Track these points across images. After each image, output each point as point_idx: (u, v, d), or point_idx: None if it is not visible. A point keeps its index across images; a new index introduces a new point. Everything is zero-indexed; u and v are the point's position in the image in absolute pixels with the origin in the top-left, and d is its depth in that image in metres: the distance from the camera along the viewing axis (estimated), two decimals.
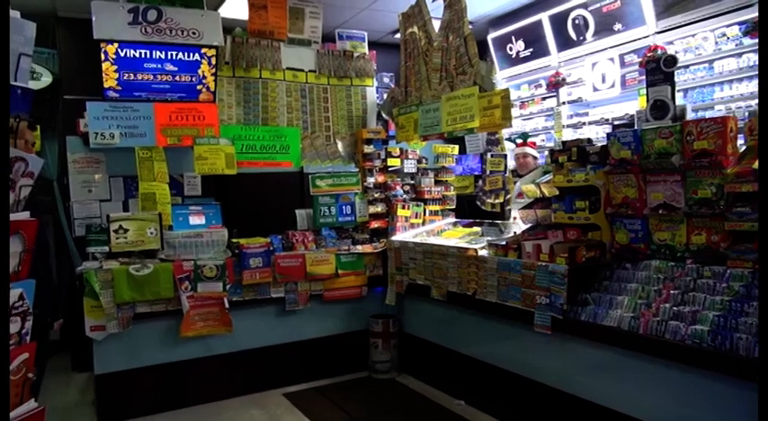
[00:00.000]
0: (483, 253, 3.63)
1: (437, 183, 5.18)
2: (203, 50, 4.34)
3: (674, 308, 2.57)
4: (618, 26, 5.35)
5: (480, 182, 4.96)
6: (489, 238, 3.93)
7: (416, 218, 4.84)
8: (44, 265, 5.02)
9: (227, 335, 4.04)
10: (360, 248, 4.58)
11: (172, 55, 4.28)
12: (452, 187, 5.24)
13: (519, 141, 5.18)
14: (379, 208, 4.90)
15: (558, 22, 5.88)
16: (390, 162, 5.02)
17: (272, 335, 4.28)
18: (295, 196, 5.37)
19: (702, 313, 2.46)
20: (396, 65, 5.29)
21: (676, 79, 3.23)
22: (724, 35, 4.71)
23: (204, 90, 4.40)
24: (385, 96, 5.40)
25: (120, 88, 4.15)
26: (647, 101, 3.10)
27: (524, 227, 3.93)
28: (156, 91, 4.27)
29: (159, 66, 4.25)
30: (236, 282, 4.08)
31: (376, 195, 4.94)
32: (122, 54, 4.11)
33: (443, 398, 3.98)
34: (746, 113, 4.38)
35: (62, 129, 5.00)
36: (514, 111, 5.80)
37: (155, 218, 3.94)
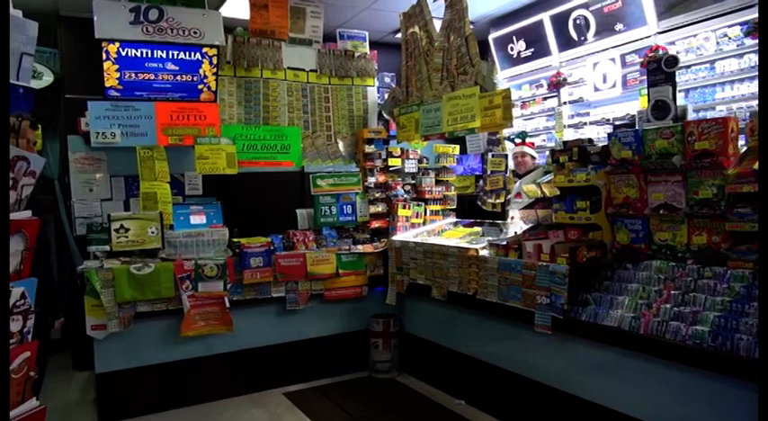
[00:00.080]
0: (484, 253, 3.63)
1: (438, 182, 5.18)
2: (204, 50, 4.34)
3: (675, 308, 2.57)
4: (619, 26, 5.35)
5: (481, 182, 4.96)
6: (490, 238, 3.93)
7: (417, 217, 4.85)
8: (45, 264, 5.02)
9: (228, 334, 4.04)
10: (360, 248, 4.58)
11: (173, 54, 4.28)
12: (453, 187, 5.24)
13: (518, 141, 5.19)
14: (380, 208, 4.90)
15: (560, 22, 5.88)
16: (391, 162, 5.03)
17: (273, 334, 4.29)
18: (296, 196, 5.38)
19: (703, 314, 2.46)
20: (397, 64, 5.29)
21: (677, 79, 3.24)
22: (725, 35, 4.71)
23: (205, 89, 4.41)
24: (386, 96, 5.40)
25: (121, 87, 4.15)
26: (649, 101, 3.10)
27: (522, 226, 3.93)
28: (157, 90, 4.27)
29: (160, 65, 4.25)
30: (237, 282, 4.09)
31: (377, 195, 4.94)
32: (124, 53, 4.12)
33: (444, 398, 3.98)
34: (748, 114, 4.38)
35: (63, 129, 5.00)
36: (515, 112, 5.79)
37: (156, 217, 3.95)
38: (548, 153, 4.87)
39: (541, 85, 6.44)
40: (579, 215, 3.29)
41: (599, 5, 5.48)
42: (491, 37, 6.68)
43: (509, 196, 4.84)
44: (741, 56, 4.67)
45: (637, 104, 5.20)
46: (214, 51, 4.37)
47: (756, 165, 2.44)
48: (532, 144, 5.27)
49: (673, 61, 3.04)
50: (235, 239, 4.27)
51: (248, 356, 4.18)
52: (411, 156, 5.10)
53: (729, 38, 4.68)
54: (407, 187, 5.07)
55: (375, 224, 4.86)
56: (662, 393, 2.57)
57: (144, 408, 3.85)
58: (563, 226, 3.40)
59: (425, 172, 5.15)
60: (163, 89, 4.29)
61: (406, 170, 5.09)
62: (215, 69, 4.41)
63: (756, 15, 4.34)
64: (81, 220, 4.27)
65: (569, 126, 6.05)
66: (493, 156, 4.82)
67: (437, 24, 4.56)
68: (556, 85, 6.11)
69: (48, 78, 5.34)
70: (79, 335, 4.11)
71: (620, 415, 2.75)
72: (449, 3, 4.35)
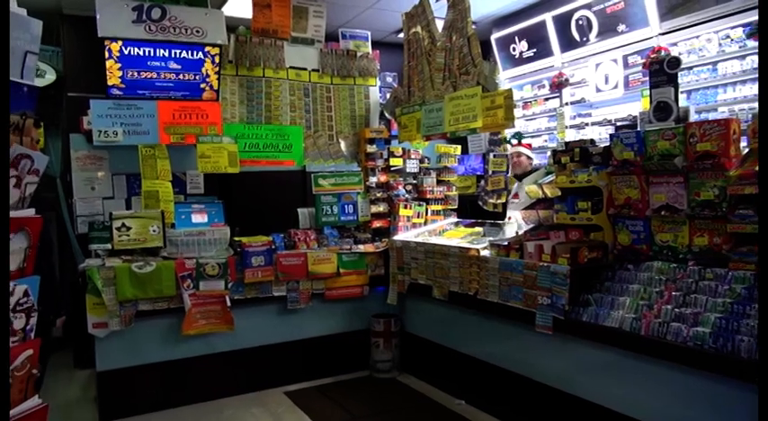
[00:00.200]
0: (485, 253, 3.63)
1: (439, 182, 5.18)
2: (207, 49, 4.35)
3: (676, 309, 2.57)
4: (621, 27, 5.35)
5: (482, 182, 4.96)
6: (491, 238, 3.93)
7: (418, 217, 4.85)
8: (47, 262, 5.04)
9: (229, 333, 4.05)
10: (362, 248, 4.58)
11: (175, 53, 4.29)
12: (454, 187, 5.24)
13: (514, 142, 5.19)
14: (382, 207, 4.91)
15: (562, 22, 5.87)
16: (393, 161, 5.03)
17: (274, 333, 4.29)
18: (297, 195, 5.38)
19: (704, 315, 2.46)
20: (399, 64, 5.29)
21: (680, 81, 3.23)
22: (728, 37, 4.70)
23: (207, 88, 4.41)
24: (388, 96, 5.40)
25: (123, 86, 4.16)
26: (651, 102, 3.10)
27: (519, 227, 3.93)
28: (159, 89, 4.28)
29: (163, 64, 4.26)
30: (238, 281, 4.09)
31: (378, 195, 4.95)
32: (126, 52, 4.12)
33: (444, 398, 3.99)
34: (750, 115, 4.37)
35: (66, 127, 5.01)
36: (517, 112, 5.80)
37: (157, 215, 3.95)
38: (549, 154, 4.87)
39: (543, 86, 6.44)
40: (580, 216, 3.29)
41: (601, 6, 5.47)
42: (493, 37, 6.68)
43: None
44: (743, 57, 4.67)
45: (639, 105, 5.20)
46: (216, 50, 4.38)
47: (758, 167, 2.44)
48: (529, 145, 5.27)
49: (675, 62, 3.04)
50: (236, 238, 4.28)
51: (249, 355, 4.18)
52: (413, 156, 5.11)
53: (732, 39, 4.68)
54: (409, 187, 5.08)
55: (376, 224, 4.87)
56: (663, 394, 2.57)
57: (145, 406, 3.86)
58: (564, 226, 3.40)
59: (427, 172, 5.16)
60: (165, 88, 4.30)
61: (408, 170, 5.09)
62: (217, 68, 4.41)
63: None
64: (83, 218, 4.29)
65: (571, 127, 6.05)
66: (494, 156, 4.82)
67: (439, 24, 4.56)
68: (558, 85, 6.11)
69: (50, 76, 5.35)
70: (80, 333, 4.12)
71: (621, 415, 2.75)
72: (451, 3, 4.35)
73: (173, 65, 4.29)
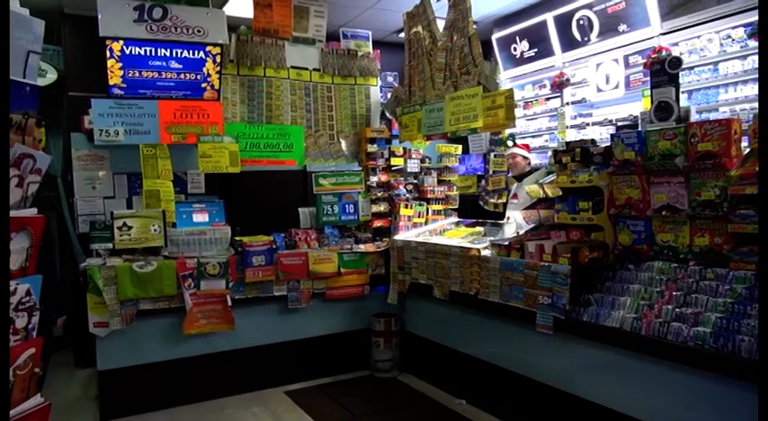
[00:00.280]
0: (486, 253, 3.63)
1: (440, 182, 5.18)
2: (208, 48, 4.35)
3: (677, 309, 2.57)
4: (623, 27, 5.34)
5: (483, 182, 4.97)
6: (492, 238, 3.93)
7: (419, 217, 4.85)
8: (49, 261, 5.05)
9: (230, 332, 4.05)
10: (362, 247, 4.59)
11: (177, 53, 4.29)
12: (455, 187, 5.24)
13: (510, 143, 5.20)
14: (382, 207, 4.91)
15: (563, 22, 5.87)
16: (394, 161, 5.03)
17: (275, 332, 4.29)
18: (298, 194, 5.39)
19: (705, 315, 2.46)
20: (400, 64, 5.30)
21: (681, 81, 3.22)
22: (729, 37, 4.70)
23: (209, 88, 4.41)
24: (389, 95, 5.41)
25: (124, 85, 4.16)
26: (652, 102, 3.10)
27: (518, 227, 3.93)
28: (160, 88, 4.28)
29: (164, 63, 4.26)
30: (239, 280, 4.10)
31: (379, 194, 4.95)
32: (128, 51, 4.13)
33: (445, 398, 3.99)
34: (751, 115, 4.36)
35: (67, 126, 5.01)
36: (518, 112, 5.79)
37: (158, 215, 3.95)
38: (550, 153, 4.88)
39: (544, 86, 6.44)
40: (581, 216, 3.29)
41: (602, 6, 5.47)
42: (494, 37, 6.67)
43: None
44: (744, 57, 4.66)
45: (640, 105, 5.19)
46: (218, 50, 4.38)
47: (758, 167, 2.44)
48: (525, 145, 5.28)
49: (676, 62, 3.04)
50: (237, 238, 4.28)
51: (250, 354, 4.19)
52: (413, 156, 5.11)
53: (733, 39, 4.68)
54: (410, 187, 5.08)
55: (377, 223, 4.87)
56: (663, 394, 2.58)
57: (146, 406, 3.87)
58: (565, 226, 3.40)
59: (428, 171, 5.16)
60: (166, 87, 4.30)
61: (409, 169, 5.10)
62: (218, 68, 4.42)
63: None
64: (84, 218, 4.29)
65: (572, 127, 6.04)
66: (495, 156, 4.83)
67: (440, 24, 4.56)
68: (559, 85, 6.10)
69: (51, 76, 5.35)
70: (81, 332, 4.13)
71: (621, 415, 2.75)
72: (452, 3, 4.35)
73: (174, 64, 4.29)
